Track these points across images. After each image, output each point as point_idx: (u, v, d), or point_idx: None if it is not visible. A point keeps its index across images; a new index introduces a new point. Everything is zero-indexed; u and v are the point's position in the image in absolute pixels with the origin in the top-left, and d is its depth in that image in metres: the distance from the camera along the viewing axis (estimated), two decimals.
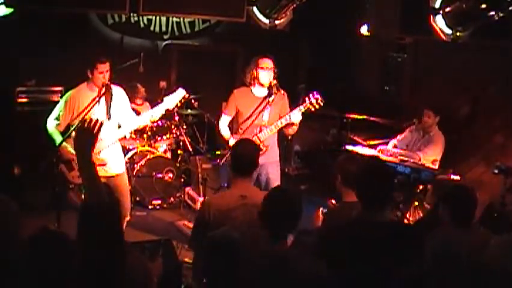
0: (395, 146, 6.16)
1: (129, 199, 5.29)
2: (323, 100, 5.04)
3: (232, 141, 5.06)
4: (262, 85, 5.12)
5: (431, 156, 5.87)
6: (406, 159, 5.69)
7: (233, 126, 5.30)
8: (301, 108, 5.02)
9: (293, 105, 5.24)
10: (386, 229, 2.95)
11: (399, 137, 6.23)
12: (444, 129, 6.00)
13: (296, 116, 5.03)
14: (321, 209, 3.73)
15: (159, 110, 4.93)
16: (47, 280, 2.39)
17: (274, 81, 5.10)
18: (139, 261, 2.80)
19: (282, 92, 5.17)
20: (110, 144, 4.94)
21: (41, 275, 2.39)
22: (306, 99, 5.05)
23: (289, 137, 5.65)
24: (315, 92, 5.05)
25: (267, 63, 5.09)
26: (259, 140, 5.06)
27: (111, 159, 4.98)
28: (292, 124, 5.09)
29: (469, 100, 6.68)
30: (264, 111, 5.10)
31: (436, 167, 5.84)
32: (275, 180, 5.15)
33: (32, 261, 2.40)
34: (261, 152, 5.12)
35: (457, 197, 3.48)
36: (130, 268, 2.63)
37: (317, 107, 5.04)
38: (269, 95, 5.12)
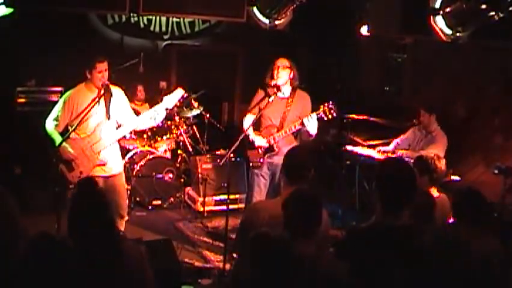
0: (397, 145, 6.17)
1: (126, 199, 5.29)
2: (336, 111, 5.03)
3: (258, 142, 5.18)
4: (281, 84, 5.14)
5: None
6: (407, 159, 5.68)
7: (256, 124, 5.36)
8: (313, 115, 5.01)
9: None
10: (405, 233, 2.82)
11: (402, 136, 6.24)
12: (444, 129, 6.00)
13: (307, 123, 4.99)
14: None
15: (160, 110, 4.95)
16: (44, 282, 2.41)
17: (274, 82, 5.12)
18: (133, 247, 2.84)
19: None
20: (110, 145, 4.94)
21: (39, 278, 2.40)
22: (321, 106, 5.06)
23: None
24: (330, 102, 5.05)
25: (282, 61, 5.17)
26: (274, 140, 5.12)
27: (110, 159, 4.98)
28: (307, 132, 5.06)
29: (469, 100, 6.68)
30: (277, 111, 5.15)
31: None
32: None
33: (30, 266, 2.41)
34: (273, 153, 5.19)
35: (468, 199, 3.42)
36: (126, 255, 2.68)
37: (330, 117, 5.03)
38: (268, 95, 5.13)
